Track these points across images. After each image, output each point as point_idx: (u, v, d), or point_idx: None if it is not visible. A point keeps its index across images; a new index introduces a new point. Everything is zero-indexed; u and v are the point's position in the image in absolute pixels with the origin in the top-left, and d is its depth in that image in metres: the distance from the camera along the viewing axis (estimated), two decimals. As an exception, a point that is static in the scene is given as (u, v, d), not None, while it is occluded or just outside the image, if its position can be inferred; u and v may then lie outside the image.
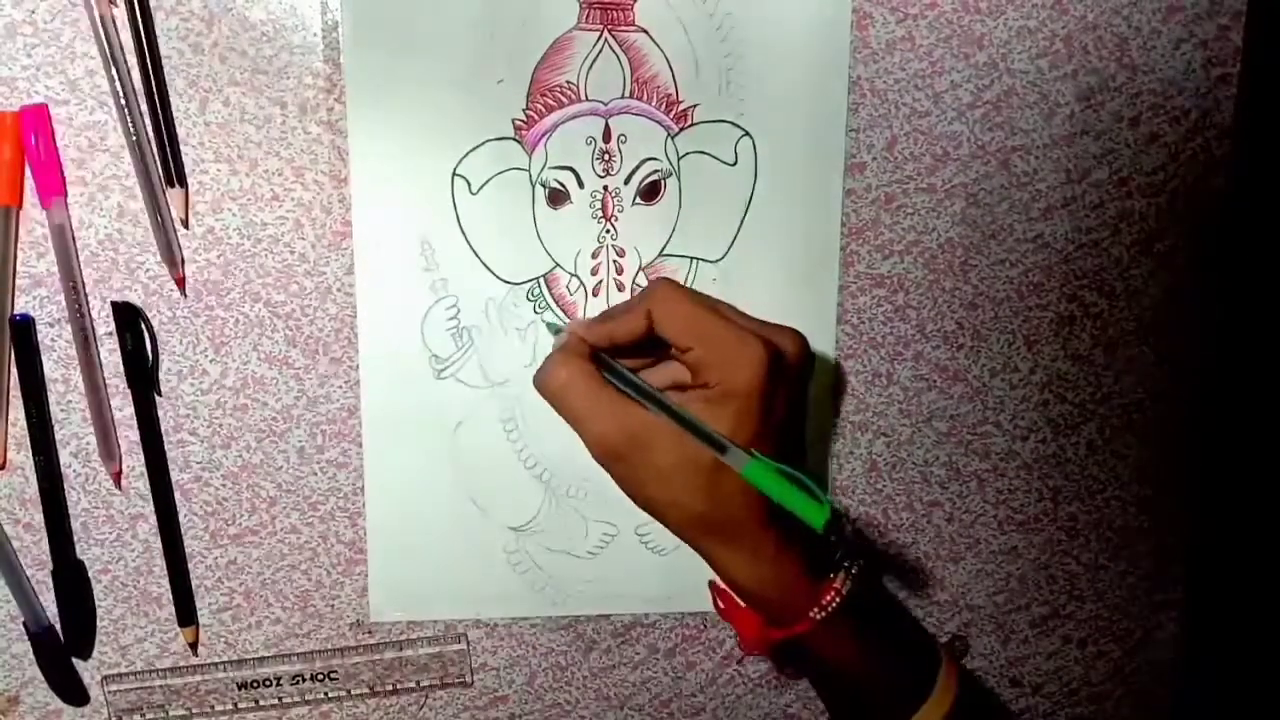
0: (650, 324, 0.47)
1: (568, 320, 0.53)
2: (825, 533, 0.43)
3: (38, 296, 0.51)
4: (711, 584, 0.50)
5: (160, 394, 0.52)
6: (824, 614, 0.47)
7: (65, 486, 0.53)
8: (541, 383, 0.47)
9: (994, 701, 0.61)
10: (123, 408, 0.52)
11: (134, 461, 0.53)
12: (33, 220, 0.50)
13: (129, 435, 0.52)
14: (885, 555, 0.58)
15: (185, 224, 0.51)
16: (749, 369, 0.45)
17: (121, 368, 0.51)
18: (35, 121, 0.48)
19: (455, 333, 0.53)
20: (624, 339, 0.47)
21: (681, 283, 0.50)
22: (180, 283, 0.51)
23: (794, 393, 0.47)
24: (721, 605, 0.51)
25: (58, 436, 0.52)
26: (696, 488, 0.45)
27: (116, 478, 0.53)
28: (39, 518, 0.53)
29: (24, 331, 0.50)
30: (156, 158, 0.49)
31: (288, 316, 0.52)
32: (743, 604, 0.49)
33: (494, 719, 0.58)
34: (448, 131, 0.51)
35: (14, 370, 0.51)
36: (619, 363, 0.47)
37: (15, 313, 0.50)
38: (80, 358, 0.51)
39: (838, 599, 0.47)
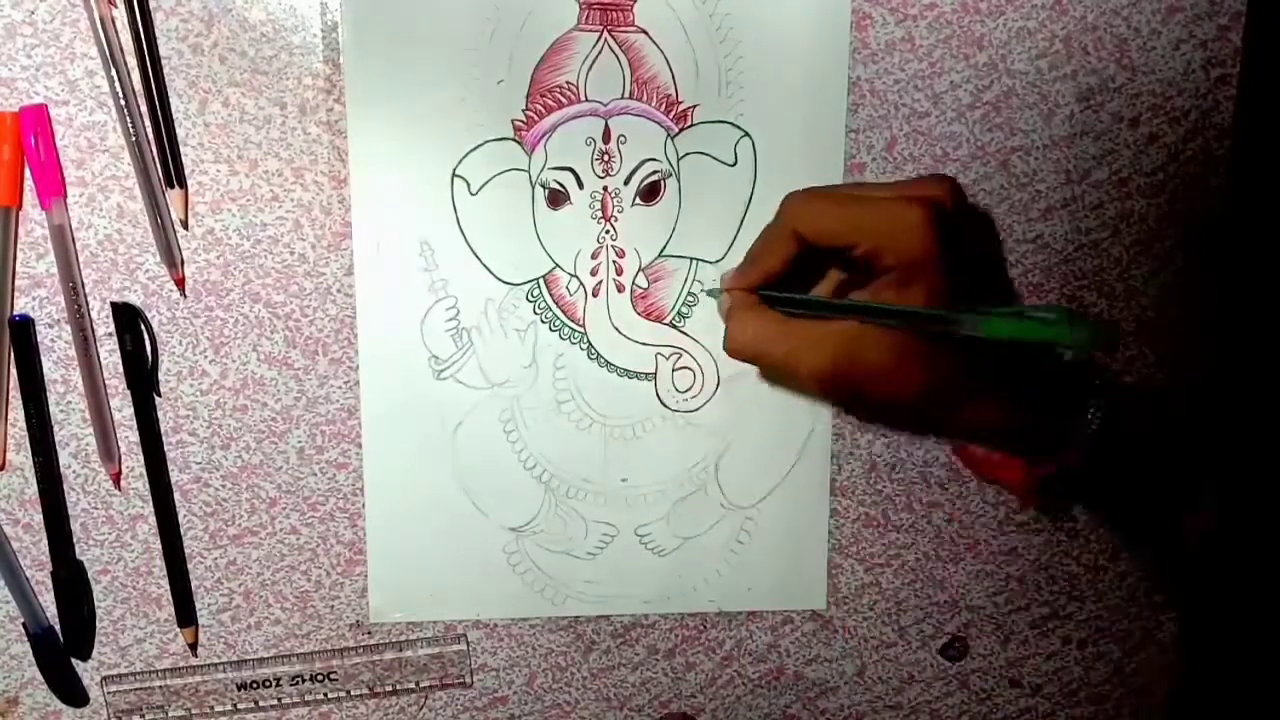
0: (800, 242, 0.46)
1: (716, 288, 0.52)
2: (1096, 346, 0.43)
3: (37, 297, 0.51)
4: (960, 452, 0.49)
5: (160, 395, 0.52)
6: (1089, 437, 0.46)
7: (65, 487, 0.53)
8: (735, 347, 0.47)
9: None
10: (122, 408, 0.52)
11: (134, 462, 0.53)
12: (32, 221, 0.50)
13: (128, 436, 0.52)
14: (885, 555, 0.58)
15: (185, 225, 0.51)
16: (918, 234, 0.44)
17: (121, 368, 0.51)
18: (35, 122, 0.48)
19: (455, 333, 0.53)
20: (781, 267, 0.48)
21: (809, 188, 0.49)
22: (180, 283, 0.51)
23: (969, 232, 0.47)
24: (985, 464, 0.50)
25: (57, 437, 0.52)
26: (919, 370, 0.45)
27: (116, 479, 0.53)
28: (39, 518, 0.53)
29: (24, 332, 0.50)
30: (156, 158, 0.49)
31: (287, 317, 0.52)
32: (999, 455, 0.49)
33: (494, 720, 0.59)
34: (447, 132, 0.51)
35: (13, 371, 0.51)
36: (791, 295, 0.47)
37: (15, 313, 0.50)
38: (80, 358, 0.51)
39: (1096, 423, 0.46)
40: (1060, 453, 0.47)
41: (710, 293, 0.53)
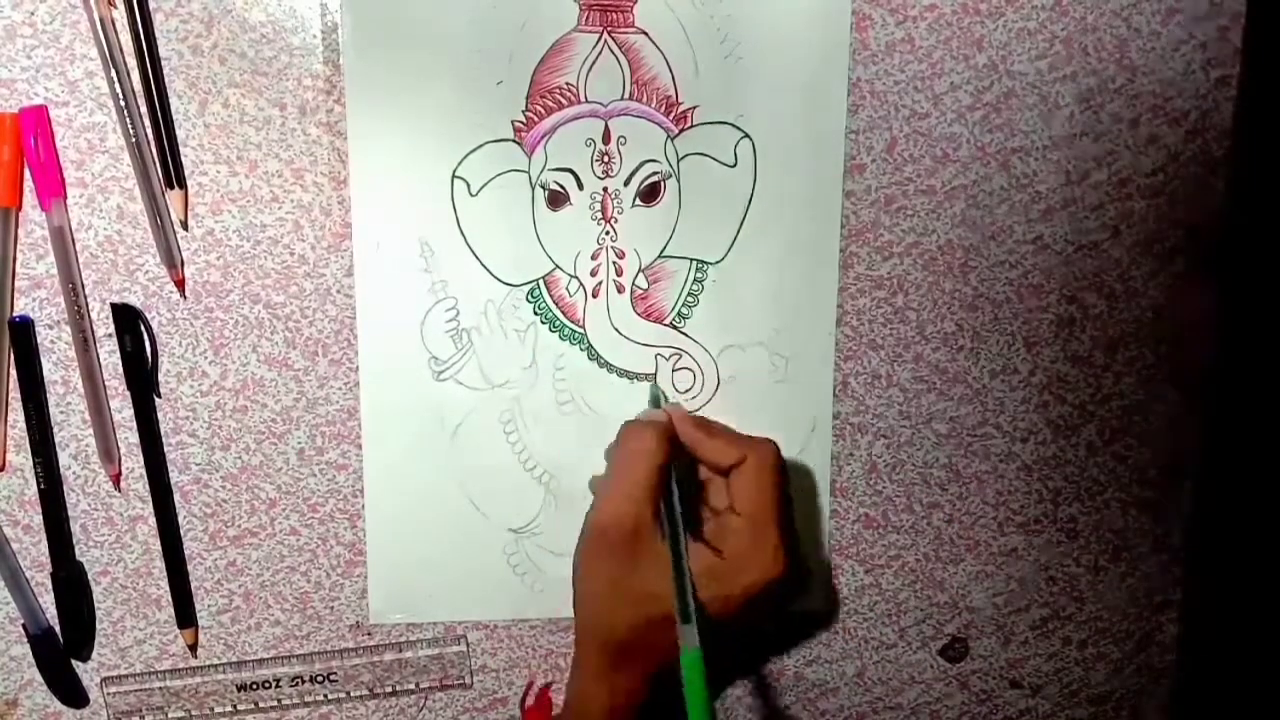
0: (737, 464, 0.49)
1: (661, 391, 0.54)
2: None
3: (37, 298, 0.51)
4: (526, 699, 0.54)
5: (160, 395, 0.52)
6: None
7: (65, 488, 0.52)
8: (631, 432, 0.50)
9: None
10: (122, 409, 0.52)
11: (133, 463, 0.53)
12: (32, 222, 0.50)
13: (128, 437, 0.52)
14: (885, 556, 0.58)
15: (185, 226, 0.51)
16: (769, 581, 0.49)
17: (121, 369, 0.51)
18: (35, 123, 0.48)
19: (455, 334, 0.53)
20: (705, 457, 0.51)
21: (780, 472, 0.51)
22: (180, 284, 0.51)
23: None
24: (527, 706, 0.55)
25: (57, 438, 0.52)
26: (625, 612, 0.48)
27: (116, 480, 0.53)
28: (38, 519, 0.53)
29: (23, 333, 0.50)
30: (156, 159, 0.49)
31: (287, 318, 0.52)
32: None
33: (494, 721, 0.58)
34: (447, 133, 0.51)
35: (13, 372, 0.51)
36: (675, 489, 0.49)
37: (15, 314, 0.50)
38: (80, 360, 0.51)
39: None
40: None
41: (652, 395, 0.54)
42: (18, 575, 0.53)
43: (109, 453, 0.52)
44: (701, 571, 0.48)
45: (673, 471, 0.49)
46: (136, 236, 0.50)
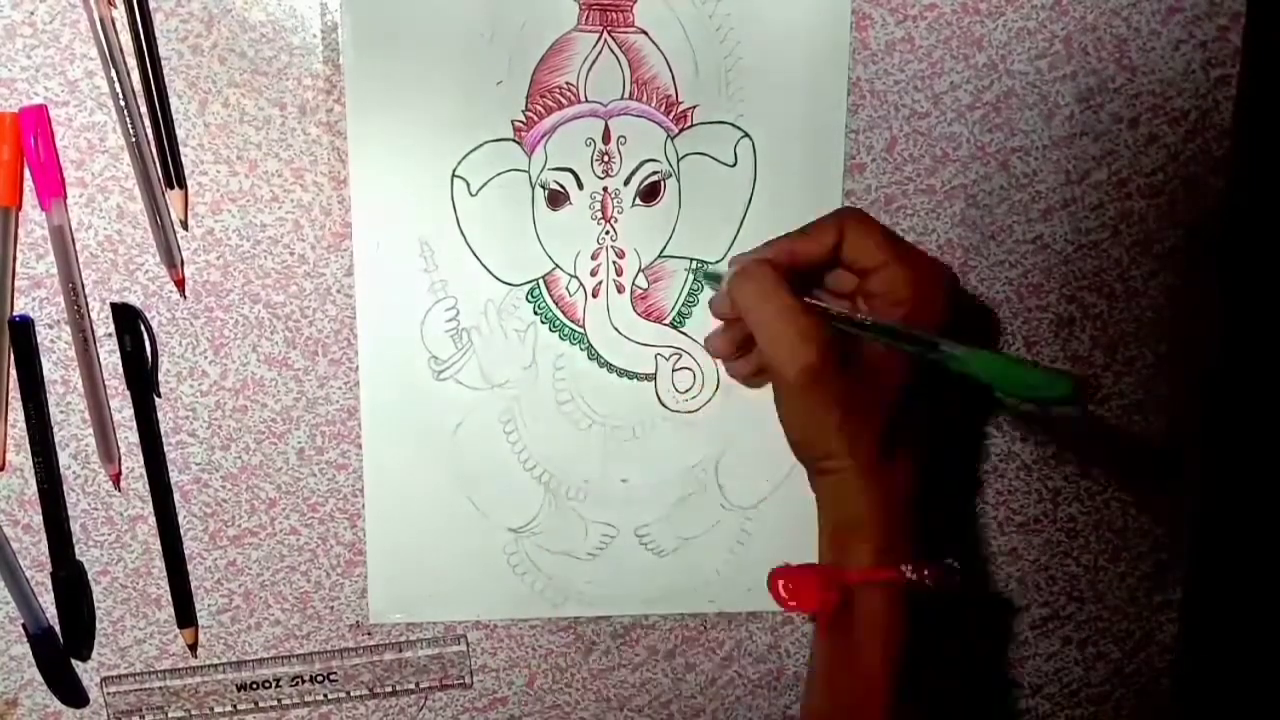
0: (839, 242, 0.47)
1: (714, 274, 0.52)
2: (1076, 399, 0.42)
3: (37, 298, 0.51)
4: (773, 575, 0.48)
5: (160, 395, 0.52)
6: (913, 575, 0.46)
7: (65, 488, 0.52)
8: (733, 294, 0.47)
9: None
10: (122, 409, 0.52)
11: (133, 463, 0.53)
12: (32, 222, 0.50)
13: (128, 437, 0.52)
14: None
15: (184, 225, 0.51)
16: (941, 287, 0.47)
17: (121, 369, 0.51)
18: (35, 123, 0.48)
19: (455, 334, 0.53)
20: (806, 257, 0.48)
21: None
22: (180, 284, 0.51)
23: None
24: (785, 586, 0.48)
25: (57, 438, 0.52)
26: (887, 407, 0.46)
27: (116, 479, 0.53)
28: (38, 519, 0.52)
29: (23, 333, 0.50)
30: (156, 159, 0.49)
31: (287, 318, 0.52)
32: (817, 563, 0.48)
33: (494, 720, 0.58)
34: (447, 133, 0.51)
35: (13, 372, 0.51)
36: (821, 304, 0.47)
37: (15, 314, 0.50)
38: (80, 359, 0.51)
39: (929, 578, 0.46)
40: (890, 564, 0.47)
41: (708, 275, 0.53)
42: (18, 575, 0.53)
43: (109, 452, 0.52)
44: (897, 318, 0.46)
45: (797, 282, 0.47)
46: (136, 236, 0.50)
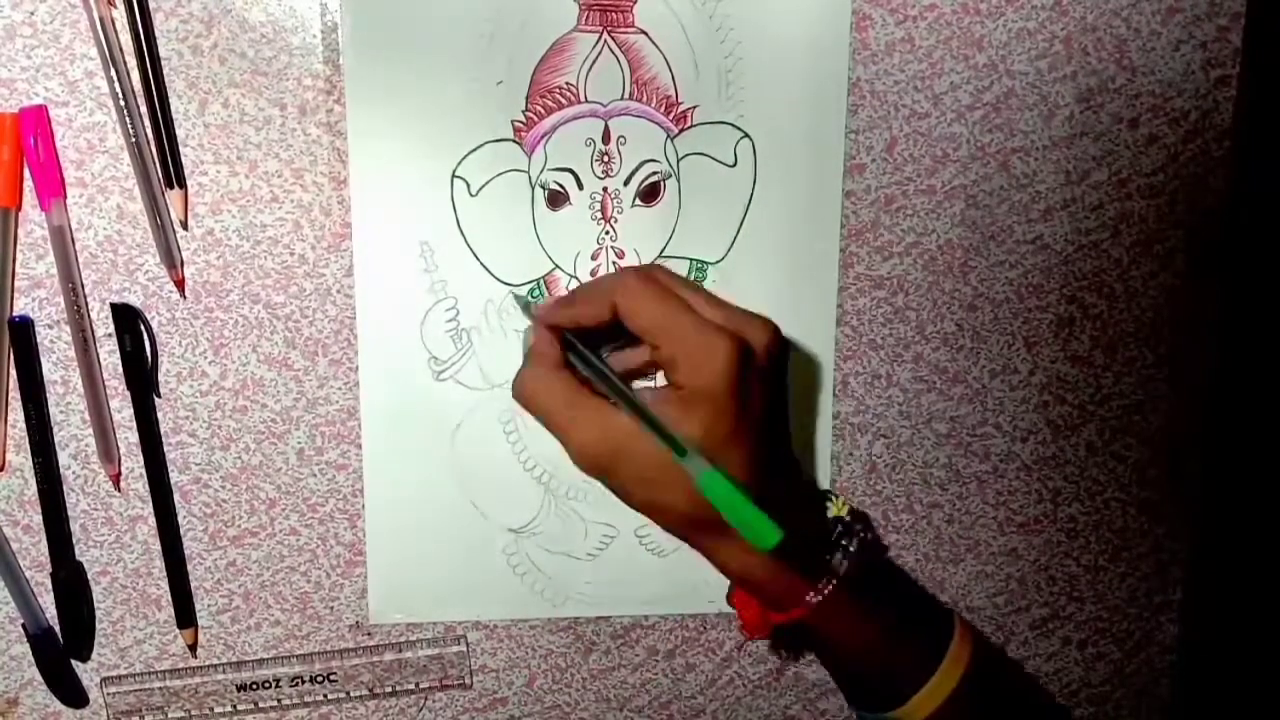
0: (614, 314, 0.45)
1: (532, 299, 0.52)
2: (775, 554, 0.42)
3: (37, 298, 0.51)
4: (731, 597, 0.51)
5: (160, 395, 0.52)
6: (820, 597, 0.47)
7: (64, 488, 0.52)
8: (518, 393, 0.46)
9: (1015, 673, 0.60)
10: (122, 409, 0.52)
11: (133, 463, 0.53)
12: (31, 222, 0.50)
13: (128, 437, 0.52)
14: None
15: (184, 225, 0.51)
16: (716, 368, 0.43)
17: (121, 369, 0.51)
18: (35, 123, 0.48)
19: (455, 334, 0.53)
20: (589, 325, 0.46)
21: (650, 272, 0.47)
22: (180, 284, 0.51)
23: (770, 387, 0.46)
24: (733, 594, 0.51)
25: (57, 438, 0.52)
26: (677, 487, 0.44)
27: (116, 480, 0.53)
28: (38, 519, 0.52)
29: (23, 333, 0.50)
30: (156, 159, 0.49)
31: (287, 318, 0.52)
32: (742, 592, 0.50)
33: (493, 721, 0.58)
34: (447, 133, 0.51)
35: (13, 372, 0.51)
36: (588, 352, 0.46)
37: (15, 314, 0.50)
38: (79, 360, 0.51)
39: (833, 581, 0.47)
40: (792, 607, 0.48)
41: (519, 301, 0.52)
42: (17, 575, 0.53)
43: (109, 453, 0.52)
44: (672, 406, 0.44)
45: (579, 347, 0.46)
46: (136, 236, 0.50)
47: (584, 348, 0.46)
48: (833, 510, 0.50)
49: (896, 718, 0.48)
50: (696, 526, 0.46)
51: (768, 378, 0.46)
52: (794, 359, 0.54)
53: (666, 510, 0.46)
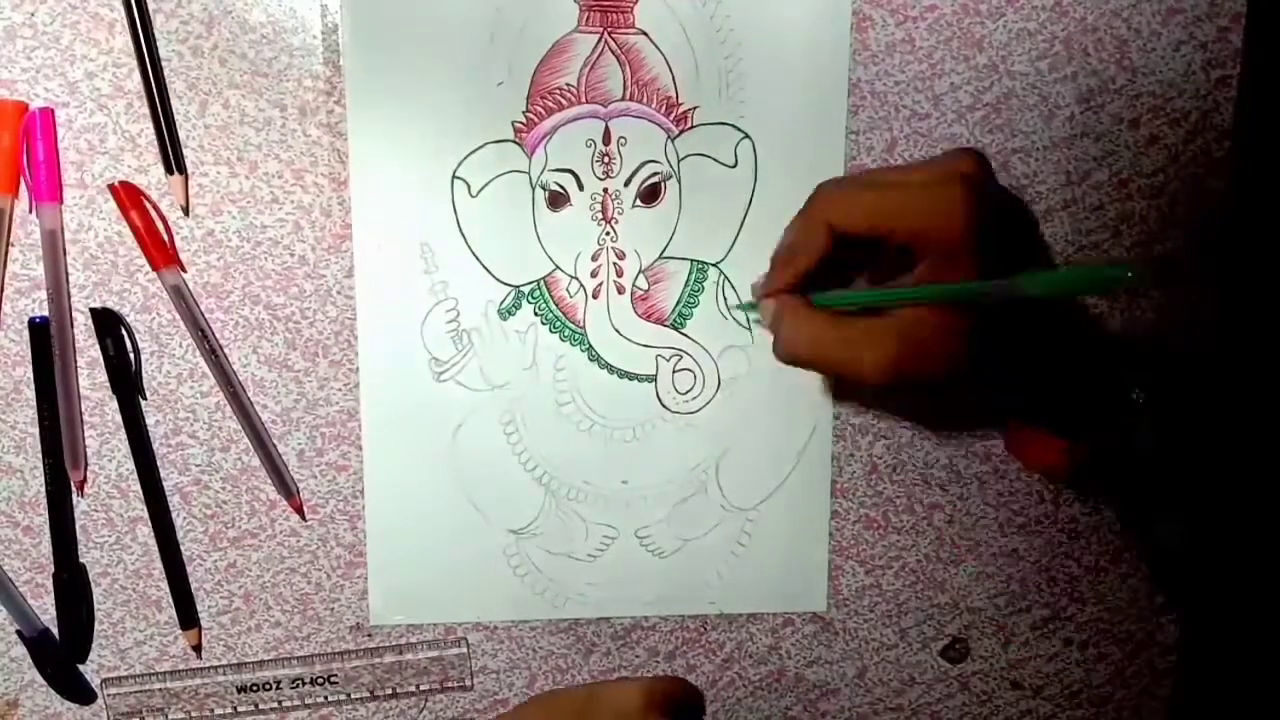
0: (833, 235, 0.46)
1: (742, 300, 0.53)
2: (1143, 282, 0.42)
3: (37, 299, 0.51)
4: (1008, 430, 0.48)
5: (145, 398, 0.52)
6: (1139, 400, 0.46)
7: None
8: (790, 353, 0.47)
9: None
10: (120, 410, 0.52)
11: (132, 465, 0.53)
12: (32, 224, 0.50)
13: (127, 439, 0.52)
14: (886, 557, 0.58)
15: (186, 211, 0.50)
16: (958, 215, 0.44)
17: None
18: (39, 126, 0.48)
19: (455, 335, 0.53)
20: (814, 262, 0.47)
21: (835, 178, 0.48)
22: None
23: (999, 203, 0.46)
24: (1022, 447, 0.50)
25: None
26: (970, 342, 0.44)
27: (80, 486, 0.52)
28: (39, 520, 0.52)
29: (41, 334, 0.50)
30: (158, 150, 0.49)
31: (287, 319, 0.52)
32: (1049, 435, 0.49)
33: (494, 722, 0.58)
34: (447, 134, 0.51)
35: (16, 373, 0.51)
36: (837, 291, 0.46)
37: (34, 315, 0.50)
38: (58, 362, 0.50)
39: (1141, 399, 0.46)
40: (1098, 433, 0.47)
41: (742, 307, 0.53)
42: (4, 581, 0.53)
43: (76, 460, 0.51)
44: (932, 276, 0.44)
45: (816, 297, 0.47)
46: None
47: (829, 291, 0.46)
48: None
49: None
50: (996, 368, 0.45)
51: (995, 198, 0.46)
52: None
53: (971, 364, 0.45)
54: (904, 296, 0.45)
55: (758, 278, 0.52)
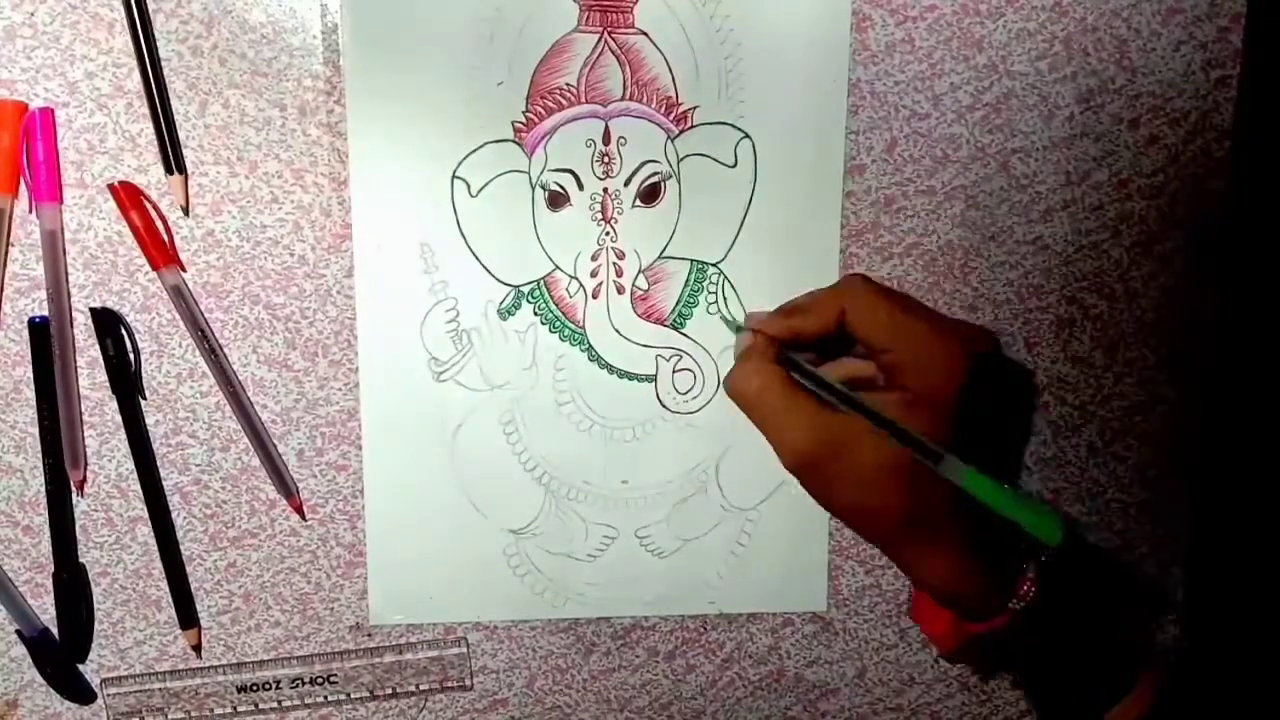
0: (840, 322, 0.46)
1: (734, 316, 0.53)
2: (1059, 545, 0.43)
3: (37, 299, 0.51)
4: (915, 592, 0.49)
5: (145, 398, 0.52)
6: (1023, 604, 0.46)
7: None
8: (734, 390, 0.47)
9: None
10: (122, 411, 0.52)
11: (132, 465, 0.53)
12: (32, 224, 0.50)
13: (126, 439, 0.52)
14: (885, 557, 0.58)
15: (186, 211, 0.51)
16: (951, 373, 0.45)
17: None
18: (39, 126, 0.48)
19: (455, 335, 0.53)
20: (811, 336, 0.47)
21: (871, 279, 0.49)
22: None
23: (987, 391, 0.46)
24: (915, 608, 0.51)
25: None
26: (897, 489, 0.44)
27: (80, 486, 0.52)
28: (38, 520, 0.52)
29: (41, 334, 0.50)
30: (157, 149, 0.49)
31: (287, 319, 0.52)
32: (937, 604, 0.49)
33: (494, 722, 0.58)
34: (447, 134, 0.51)
35: (19, 374, 0.51)
36: (808, 364, 0.47)
37: (34, 315, 0.50)
38: (57, 362, 0.50)
39: (1033, 589, 0.47)
40: (993, 616, 0.48)
41: (728, 322, 0.53)
42: (3, 582, 0.53)
43: (75, 459, 0.51)
44: (896, 410, 0.45)
45: (798, 360, 0.47)
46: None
47: (803, 361, 0.47)
48: None
49: None
50: (907, 533, 0.46)
51: (985, 384, 0.46)
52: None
53: (878, 514, 0.46)
54: (864, 411, 0.45)
55: (755, 312, 0.52)
